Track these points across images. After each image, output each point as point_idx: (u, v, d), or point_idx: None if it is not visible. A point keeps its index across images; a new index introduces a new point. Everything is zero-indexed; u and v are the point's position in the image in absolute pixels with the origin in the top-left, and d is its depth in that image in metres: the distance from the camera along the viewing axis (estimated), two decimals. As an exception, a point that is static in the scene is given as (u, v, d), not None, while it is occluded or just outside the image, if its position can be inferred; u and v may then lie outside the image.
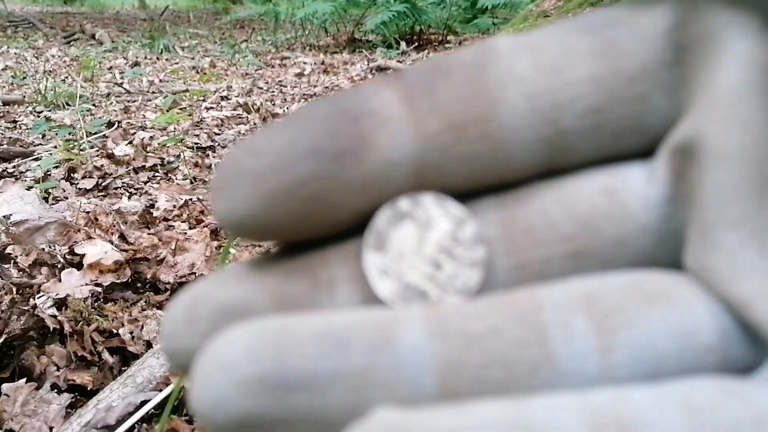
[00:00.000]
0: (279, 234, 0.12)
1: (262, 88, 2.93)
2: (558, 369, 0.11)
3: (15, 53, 4.12)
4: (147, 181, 1.56)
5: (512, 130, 0.12)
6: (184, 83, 3.03)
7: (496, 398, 0.10)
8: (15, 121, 2.20)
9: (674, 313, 0.11)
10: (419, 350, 0.11)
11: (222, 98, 2.65)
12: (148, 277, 0.96)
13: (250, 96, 2.71)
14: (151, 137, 1.91)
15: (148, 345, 0.82)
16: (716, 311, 0.12)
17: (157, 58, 4.06)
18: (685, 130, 0.12)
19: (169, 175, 1.61)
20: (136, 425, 0.70)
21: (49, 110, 2.37)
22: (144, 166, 1.64)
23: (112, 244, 0.99)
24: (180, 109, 2.39)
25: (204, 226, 1.17)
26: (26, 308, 0.82)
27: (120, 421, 0.70)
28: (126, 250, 0.98)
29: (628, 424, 0.10)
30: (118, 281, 0.93)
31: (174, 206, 1.30)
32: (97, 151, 1.73)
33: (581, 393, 0.10)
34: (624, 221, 0.13)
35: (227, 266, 0.13)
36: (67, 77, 3.11)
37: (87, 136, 1.83)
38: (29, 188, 1.37)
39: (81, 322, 0.83)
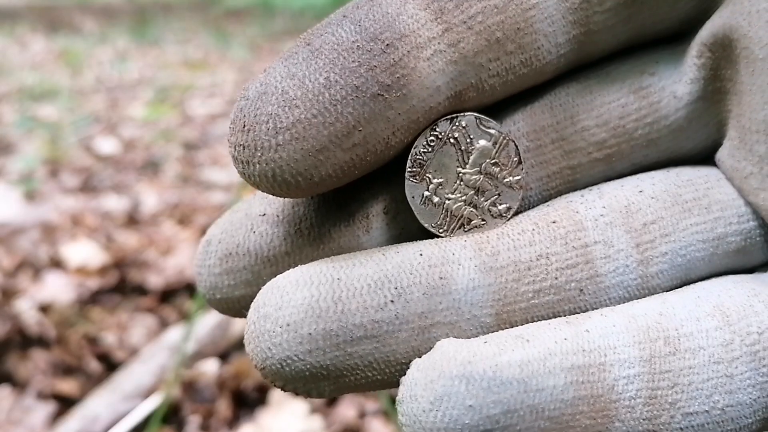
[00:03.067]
0: (326, 187, 0.11)
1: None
2: (602, 285, 0.12)
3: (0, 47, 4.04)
4: (135, 179, 1.53)
5: (545, 36, 0.12)
6: (173, 76, 2.99)
7: (549, 321, 0.11)
8: (-1, 116, 2.15)
9: (707, 220, 0.12)
10: (474, 287, 0.11)
11: (213, 91, 2.61)
12: (136, 280, 0.93)
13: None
14: (139, 133, 1.87)
15: (135, 351, 0.80)
16: (743, 214, 0.12)
17: (146, 50, 4.00)
18: (719, 24, 0.12)
19: (158, 172, 1.58)
20: (122, 436, 0.67)
21: (34, 104, 2.32)
22: (132, 163, 1.61)
23: (98, 244, 0.96)
24: (169, 103, 2.35)
25: (194, 226, 1.15)
26: (9, 312, 0.79)
27: (106, 430, 0.68)
28: (113, 252, 0.96)
29: (672, 336, 0.11)
30: (105, 284, 0.90)
31: (162, 205, 1.27)
32: (83, 147, 1.70)
33: (627, 308, 0.11)
34: (655, 121, 0.13)
35: (241, 203, 0.12)
36: (52, 71, 3.06)
37: (72, 132, 1.79)
38: (12, 187, 1.34)
39: (66, 327, 0.80)
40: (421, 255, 0.11)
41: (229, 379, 0.72)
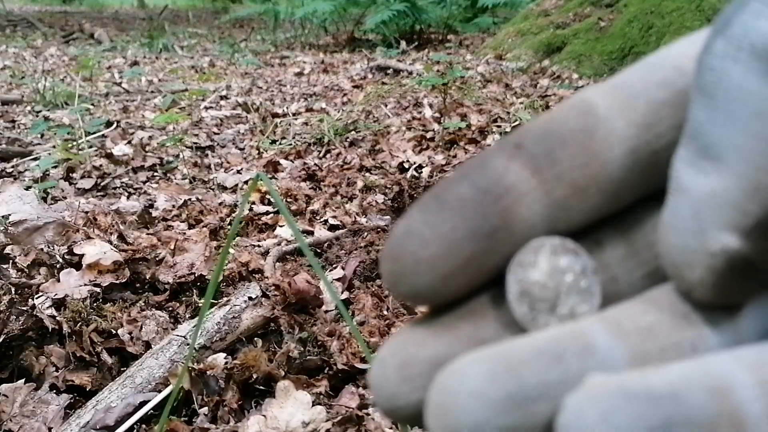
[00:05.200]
0: (445, 300, 0.15)
1: (261, 88, 2.92)
2: (708, 344, 0.14)
3: (14, 53, 4.11)
4: (146, 181, 1.56)
5: (621, 181, 0.15)
6: (183, 82, 3.03)
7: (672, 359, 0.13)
8: (13, 121, 2.20)
9: None
10: (613, 350, 0.13)
11: (221, 98, 2.65)
12: (147, 278, 0.95)
13: (249, 95, 2.71)
14: (150, 137, 1.91)
15: (147, 345, 0.82)
16: None
17: (156, 58, 4.05)
18: None
19: (168, 174, 1.61)
20: (135, 426, 0.70)
21: (48, 110, 2.36)
22: (143, 166, 1.64)
23: (110, 244, 0.99)
24: (179, 108, 2.39)
25: (203, 226, 1.17)
26: (25, 308, 0.82)
27: (119, 422, 0.70)
28: (125, 251, 0.98)
29: None
30: (117, 281, 0.93)
31: (173, 206, 1.30)
32: (96, 150, 1.73)
33: (734, 350, 0.13)
34: None
35: (407, 329, 0.15)
36: (65, 77, 3.11)
37: (86, 136, 1.83)
38: (28, 188, 1.37)
39: (80, 323, 0.83)
40: (562, 333, 0.14)
41: (237, 371, 0.74)
